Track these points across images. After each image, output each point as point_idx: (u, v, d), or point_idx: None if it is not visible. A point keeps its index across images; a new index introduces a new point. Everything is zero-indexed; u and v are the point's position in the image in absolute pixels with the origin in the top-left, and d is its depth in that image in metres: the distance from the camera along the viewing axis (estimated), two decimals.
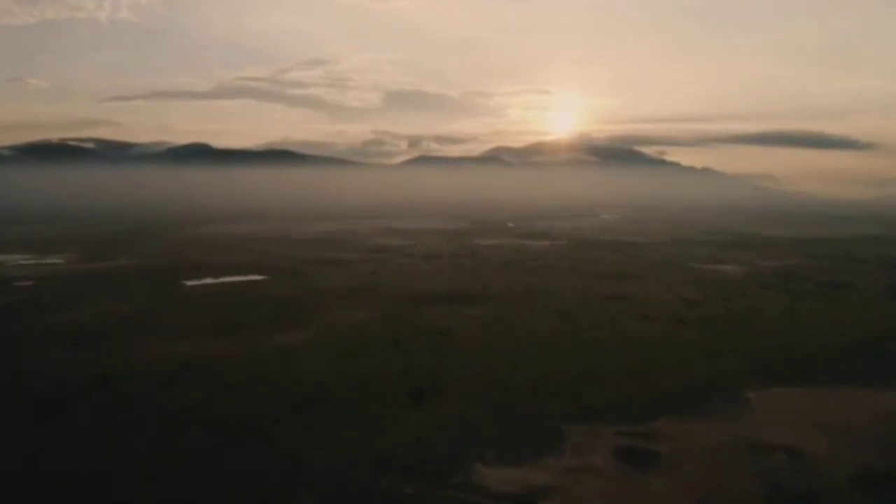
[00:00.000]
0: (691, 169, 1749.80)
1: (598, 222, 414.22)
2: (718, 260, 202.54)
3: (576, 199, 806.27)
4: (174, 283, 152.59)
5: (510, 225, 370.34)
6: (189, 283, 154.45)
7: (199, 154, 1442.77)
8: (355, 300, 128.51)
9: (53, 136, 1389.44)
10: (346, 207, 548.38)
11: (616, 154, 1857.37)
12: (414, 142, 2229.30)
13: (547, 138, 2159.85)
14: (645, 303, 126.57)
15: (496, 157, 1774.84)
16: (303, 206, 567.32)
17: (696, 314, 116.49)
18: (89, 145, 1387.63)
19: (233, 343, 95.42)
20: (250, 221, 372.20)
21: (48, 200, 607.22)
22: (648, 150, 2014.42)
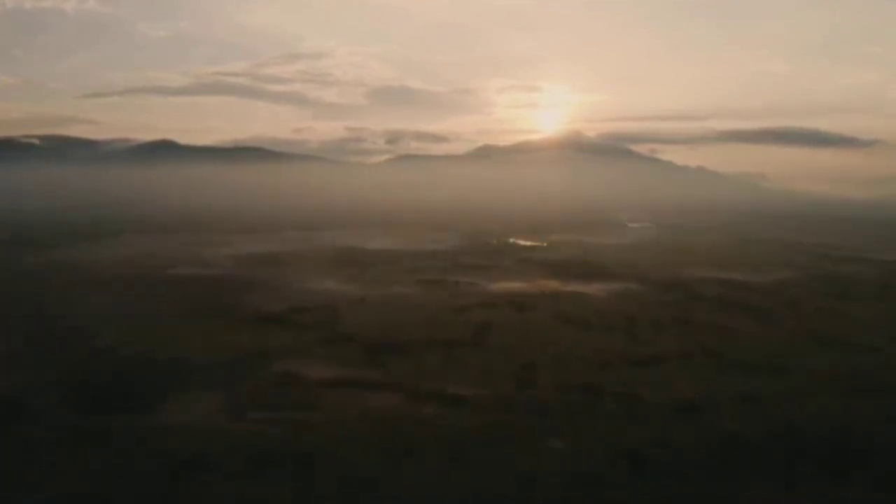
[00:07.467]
0: (685, 167, 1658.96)
1: (634, 237, 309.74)
2: None
3: (573, 200, 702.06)
4: None
5: (519, 243, 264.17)
6: None
7: (165, 152, 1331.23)
8: None
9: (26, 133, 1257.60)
10: (306, 212, 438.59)
11: (607, 152, 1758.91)
12: (392, 138, 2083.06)
13: (535, 136, 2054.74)
14: None
15: (483, 156, 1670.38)
16: (251, 210, 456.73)
17: None
18: (35, 142, 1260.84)
19: None
20: (153, 234, 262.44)
21: None
22: (641, 148, 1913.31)
